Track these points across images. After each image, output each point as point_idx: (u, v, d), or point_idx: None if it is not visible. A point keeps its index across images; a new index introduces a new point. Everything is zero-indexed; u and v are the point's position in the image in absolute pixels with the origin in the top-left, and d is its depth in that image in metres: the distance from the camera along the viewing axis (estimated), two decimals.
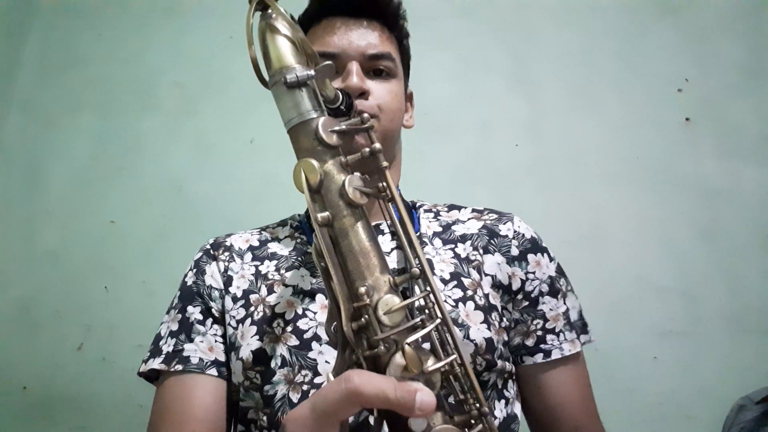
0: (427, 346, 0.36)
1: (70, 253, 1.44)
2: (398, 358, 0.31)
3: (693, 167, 1.28)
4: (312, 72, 0.38)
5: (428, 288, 0.35)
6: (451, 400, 0.36)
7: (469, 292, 0.60)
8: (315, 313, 0.58)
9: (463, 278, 0.61)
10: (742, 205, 1.24)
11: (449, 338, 0.35)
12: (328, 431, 0.29)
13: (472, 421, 0.33)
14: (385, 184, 0.37)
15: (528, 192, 1.32)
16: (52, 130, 1.56)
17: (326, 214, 0.34)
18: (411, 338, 0.32)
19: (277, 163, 1.42)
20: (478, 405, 0.34)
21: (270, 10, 0.40)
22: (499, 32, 1.46)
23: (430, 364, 0.31)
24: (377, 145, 0.37)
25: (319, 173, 0.35)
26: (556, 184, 1.32)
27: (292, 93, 0.37)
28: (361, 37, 0.62)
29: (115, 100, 1.56)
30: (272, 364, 0.56)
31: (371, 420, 0.34)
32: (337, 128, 0.37)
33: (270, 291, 0.61)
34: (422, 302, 0.35)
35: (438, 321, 0.34)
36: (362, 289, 0.33)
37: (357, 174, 0.36)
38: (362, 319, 0.33)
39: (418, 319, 0.34)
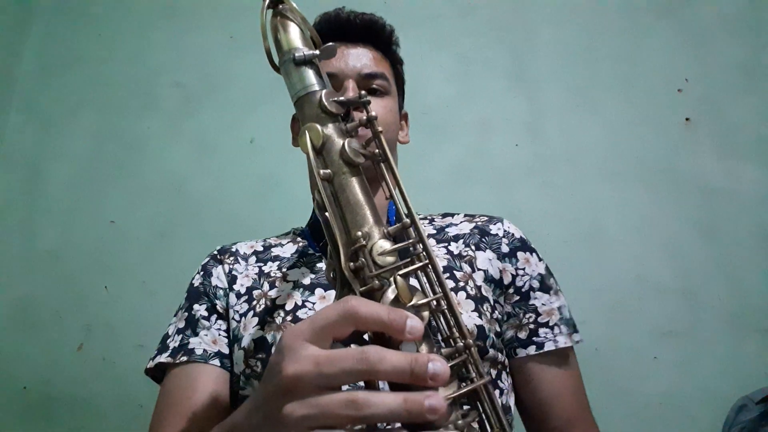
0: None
1: (69, 252, 1.44)
2: (390, 291, 0.34)
3: (693, 167, 1.28)
4: (317, 51, 0.43)
5: (417, 236, 0.38)
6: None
7: (461, 283, 0.62)
8: (314, 303, 0.61)
9: (455, 271, 0.64)
10: (742, 205, 1.24)
11: (436, 280, 0.38)
12: (319, 345, 0.32)
13: (457, 354, 0.35)
14: (378, 150, 0.41)
15: (528, 192, 1.32)
16: (52, 130, 1.56)
17: (328, 171, 0.39)
18: (402, 272, 0.35)
19: (277, 163, 1.44)
20: (463, 340, 0.36)
21: (283, 5, 0.45)
22: (499, 32, 1.46)
23: (419, 299, 0.34)
24: (373, 113, 0.41)
25: (322, 136, 0.39)
26: (556, 184, 1.32)
27: (299, 69, 0.42)
28: (357, 59, 0.68)
29: (115, 100, 1.56)
30: (272, 352, 0.57)
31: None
32: (337, 99, 0.41)
33: (272, 286, 0.65)
34: (412, 249, 0.38)
35: (426, 261, 0.37)
36: (359, 234, 0.36)
37: (355, 139, 0.40)
38: (359, 261, 0.36)
39: (408, 260, 0.37)
